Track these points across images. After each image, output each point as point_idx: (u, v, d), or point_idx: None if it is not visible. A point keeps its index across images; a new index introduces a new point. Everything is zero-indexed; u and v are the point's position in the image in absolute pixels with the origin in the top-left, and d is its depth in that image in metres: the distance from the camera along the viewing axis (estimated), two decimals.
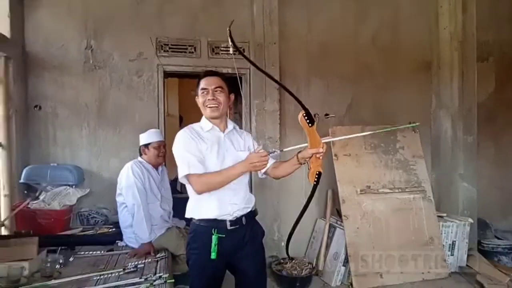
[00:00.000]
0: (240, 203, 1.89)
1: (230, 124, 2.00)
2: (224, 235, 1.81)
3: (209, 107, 1.88)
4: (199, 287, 1.88)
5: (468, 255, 3.67)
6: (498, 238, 4.07)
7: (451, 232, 3.63)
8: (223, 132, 1.94)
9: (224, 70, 3.45)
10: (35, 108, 3.38)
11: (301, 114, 1.76)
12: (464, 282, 3.38)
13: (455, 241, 3.63)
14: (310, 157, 1.78)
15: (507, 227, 4.35)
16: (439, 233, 3.58)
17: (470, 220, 3.68)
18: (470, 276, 3.41)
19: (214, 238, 1.78)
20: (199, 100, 1.92)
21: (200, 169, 1.79)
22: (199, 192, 1.81)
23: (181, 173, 1.81)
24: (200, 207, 1.86)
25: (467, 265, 3.60)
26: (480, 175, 4.05)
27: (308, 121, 1.74)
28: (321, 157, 1.77)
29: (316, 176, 1.79)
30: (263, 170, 2.00)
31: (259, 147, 1.91)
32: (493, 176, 4.38)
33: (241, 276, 1.95)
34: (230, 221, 1.85)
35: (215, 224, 1.82)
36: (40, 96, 3.40)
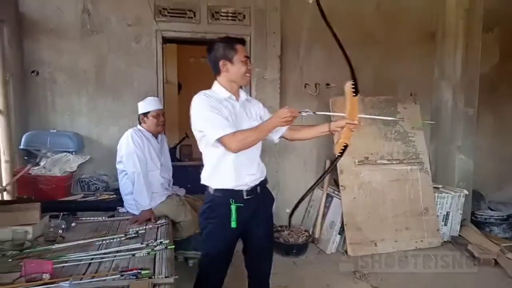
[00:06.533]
0: (256, 173, 1.93)
1: (243, 94, 2.01)
2: (242, 204, 1.84)
3: (248, 75, 1.94)
4: (216, 255, 1.92)
5: (461, 226, 3.75)
6: (491, 209, 4.15)
7: (446, 203, 3.70)
8: (238, 101, 1.94)
9: None
10: (32, 74, 3.32)
11: (349, 83, 1.80)
12: (456, 251, 3.47)
13: (449, 211, 3.70)
14: (343, 127, 1.81)
15: (501, 198, 4.42)
16: (434, 204, 3.65)
17: (465, 191, 3.74)
18: (461, 245, 3.50)
19: (233, 208, 1.82)
20: (239, 67, 1.88)
21: (233, 127, 1.77)
22: (236, 151, 1.77)
23: (214, 136, 1.75)
24: (216, 176, 1.87)
25: (459, 235, 3.70)
26: (478, 147, 4.05)
27: (354, 90, 1.78)
28: (354, 130, 1.81)
29: (343, 147, 1.83)
30: (279, 134, 2.04)
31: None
32: (491, 148, 4.40)
33: (251, 241, 2.01)
34: (247, 191, 1.88)
35: (232, 194, 1.85)
36: (37, 61, 3.34)
